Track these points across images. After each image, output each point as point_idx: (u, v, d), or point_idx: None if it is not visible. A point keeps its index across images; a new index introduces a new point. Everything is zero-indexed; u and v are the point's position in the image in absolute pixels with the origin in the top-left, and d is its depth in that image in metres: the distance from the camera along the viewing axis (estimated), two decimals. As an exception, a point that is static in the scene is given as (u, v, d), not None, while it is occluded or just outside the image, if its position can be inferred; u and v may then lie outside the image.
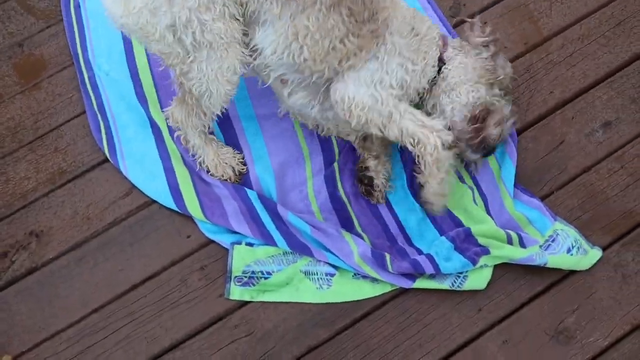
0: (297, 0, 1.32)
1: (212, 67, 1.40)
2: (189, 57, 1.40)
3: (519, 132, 1.78)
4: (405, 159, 1.74)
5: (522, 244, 1.61)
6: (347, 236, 1.60)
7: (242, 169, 1.73)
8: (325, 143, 1.77)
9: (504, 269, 1.59)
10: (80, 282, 1.66)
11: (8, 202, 1.77)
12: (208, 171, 1.71)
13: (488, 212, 1.66)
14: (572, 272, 1.59)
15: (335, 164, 1.72)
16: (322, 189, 1.71)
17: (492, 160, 1.71)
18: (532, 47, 1.90)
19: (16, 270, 1.68)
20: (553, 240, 1.62)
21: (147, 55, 1.90)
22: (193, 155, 1.71)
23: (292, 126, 1.80)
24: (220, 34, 1.34)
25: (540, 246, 1.60)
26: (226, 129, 1.82)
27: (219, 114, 1.57)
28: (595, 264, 1.58)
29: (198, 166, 1.71)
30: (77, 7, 1.99)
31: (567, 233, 1.62)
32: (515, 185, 1.69)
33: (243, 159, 1.75)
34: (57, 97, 1.92)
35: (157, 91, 1.86)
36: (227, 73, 1.42)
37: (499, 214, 1.66)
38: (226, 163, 1.71)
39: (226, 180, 1.71)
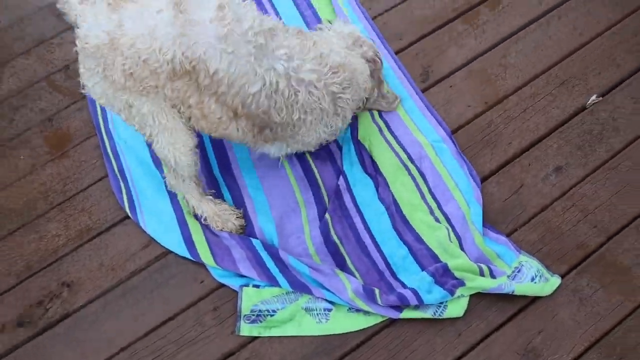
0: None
1: (166, 141, 1.54)
2: (146, 132, 1.54)
3: (484, 179, 1.87)
4: (387, 204, 1.86)
5: (492, 275, 1.69)
6: (341, 275, 1.69)
7: (242, 222, 1.83)
8: (316, 193, 1.89)
9: (478, 298, 1.67)
10: (107, 326, 1.72)
11: (42, 257, 1.86)
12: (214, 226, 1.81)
13: (462, 249, 1.75)
14: (536, 298, 1.66)
15: (327, 213, 1.82)
16: (317, 234, 1.80)
17: (462, 204, 1.82)
18: (492, 105, 2.01)
19: (50, 317, 1.75)
20: (519, 271, 1.70)
21: None
22: (195, 215, 1.82)
23: (288, 180, 1.91)
24: (163, 121, 1.49)
25: (508, 276, 1.68)
26: (231, 185, 1.92)
27: (195, 179, 1.71)
28: (555, 290, 1.67)
29: (203, 221, 1.82)
30: None
31: (531, 264, 1.71)
32: (483, 225, 1.78)
33: (241, 212, 1.85)
34: (83, 163, 2.03)
35: None
36: (182, 148, 1.57)
37: (472, 250, 1.74)
38: (226, 218, 1.81)
39: (230, 232, 1.82)
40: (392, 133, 1.97)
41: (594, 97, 2.00)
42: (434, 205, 1.84)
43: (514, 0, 2.24)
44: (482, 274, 1.69)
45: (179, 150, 1.57)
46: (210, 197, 1.83)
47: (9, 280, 1.84)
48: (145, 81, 1.38)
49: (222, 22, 1.35)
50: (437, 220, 1.82)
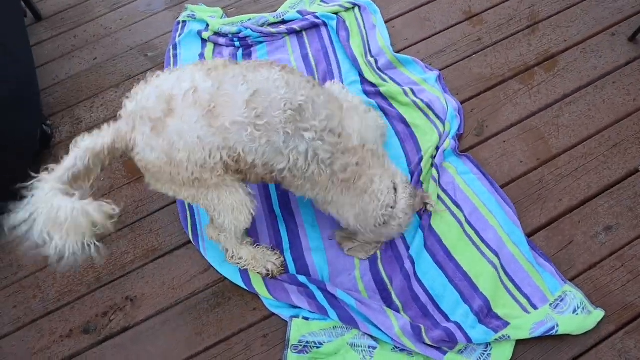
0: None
1: (231, 216, 1.58)
2: (210, 211, 1.58)
3: (533, 233, 1.84)
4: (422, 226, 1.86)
5: (533, 305, 1.68)
6: (389, 312, 1.68)
7: (282, 261, 1.83)
8: None
9: (522, 349, 1.63)
10: (163, 341, 1.76)
11: (111, 271, 1.93)
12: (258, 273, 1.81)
13: (504, 269, 1.76)
14: (582, 354, 1.61)
15: (378, 252, 1.84)
16: (367, 272, 1.81)
17: (499, 230, 1.82)
18: (543, 162, 1.99)
19: (113, 328, 1.81)
20: (562, 300, 1.68)
21: None
22: (237, 263, 1.80)
23: None
24: (227, 201, 1.54)
25: (550, 304, 1.66)
26: (288, 222, 1.94)
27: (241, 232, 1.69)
28: (602, 347, 1.61)
29: (241, 267, 1.81)
30: None
31: (575, 295, 1.68)
32: (533, 248, 1.79)
33: (279, 253, 1.85)
34: (155, 189, 2.16)
35: None
36: (244, 218, 1.60)
37: (517, 270, 1.75)
38: (266, 260, 1.81)
39: (268, 274, 1.80)
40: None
41: (646, 161, 1.95)
42: (472, 232, 1.84)
43: (569, 64, 2.23)
44: (522, 308, 1.68)
45: (239, 221, 1.61)
46: (249, 241, 1.85)
47: (81, 289, 1.92)
48: (207, 180, 1.45)
49: (253, 119, 1.37)
50: (478, 248, 1.82)
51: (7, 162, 1.98)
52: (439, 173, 1.96)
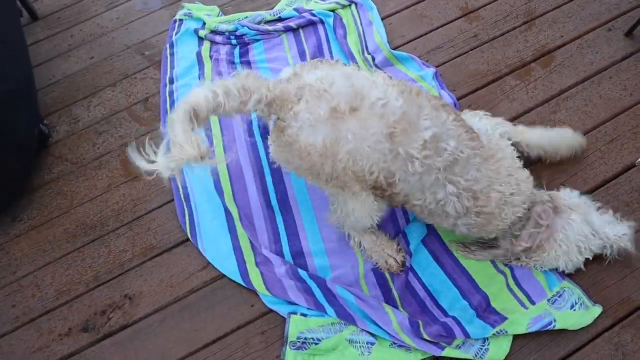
0: None
1: (350, 204, 1.59)
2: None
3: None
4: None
5: (531, 301, 1.69)
6: (387, 307, 1.68)
7: (402, 260, 1.78)
8: None
9: (519, 344, 1.63)
10: (162, 339, 1.76)
11: (109, 269, 1.93)
12: (375, 265, 1.79)
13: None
14: (579, 349, 1.61)
15: None
16: (369, 270, 1.80)
17: None
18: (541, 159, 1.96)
19: (112, 326, 1.81)
20: (559, 296, 1.69)
21: (225, 154, 2.11)
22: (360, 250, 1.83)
23: None
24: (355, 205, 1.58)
25: (548, 300, 1.67)
26: (286, 218, 1.94)
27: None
28: (598, 341, 1.62)
29: (364, 256, 1.82)
30: None
31: (573, 291, 1.69)
32: None
33: (400, 249, 1.80)
34: (152, 187, 2.11)
35: (232, 186, 2.03)
36: (368, 217, 1.63)
37: (516, 266, 1.75)
38: (387, 254, 1.77)
39: (388, 269, 1.77)
40: None
41: (643, 156, 1.95)
42: None
43: (566, 59, 2.23)
44: (520, 303, 1.69)
45: (359, 224, 1.67)
46: (373, 230, 1.82)
47: (79, 287, 1.92)
48: (350, 187, 1.48)
49: (423, 157, 1.41)
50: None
51: (7, 162, 1.98)
52: None
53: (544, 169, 1.96)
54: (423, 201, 1.52)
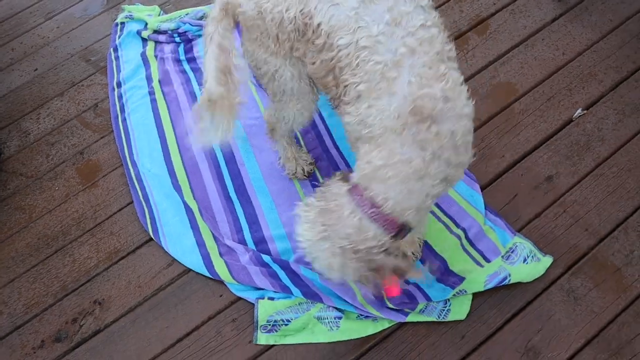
0: None
1: (294, 105, 1.62)
2: (277, 94, 1.61)
3: (480, 190, 1.89)
4: None
5: (486, 259, 1.74)
6: (351, 283, 1.70)
7: (310, 170, 1.93)
8: None
9: (479, 301, 1.68)
10: (135, 339, 1.76)
11: (75, 278, 1.92)
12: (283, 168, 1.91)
13: (457, 225, 1.81)
14: (534, 299, 1.67)
15: None
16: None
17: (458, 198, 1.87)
18: (484, 122, 2.04)
19: (84, 333, 1.80)
20: (512, 252, 1.74)
21: (180, 153, 2.11)
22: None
23: (299, 197, 1.93)
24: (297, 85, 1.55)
25: (502, 256, 1.73)
26: (245, 207, 1.95)
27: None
28: (551, 289, 1.68)
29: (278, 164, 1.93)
30: (124, 120, 2.24)
31: (524, 245, 1.75)
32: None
33: (312, 162, 1.94)
34: (111, 191, 2.10)
35: (189, 182, 2.04)
36: (304, 112, 1.65)
37: (472, 226, 1.80)
38: (298, 163, 1.90)
39: (294, 175, 1.92)
40: None
41: (579, 111, 2.03)
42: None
43: (499, 26, 2.29)
44: (476, 263, 1.73)
45: (300, 113, 1.64)
46: (291, 142, 1.91)
47: (47, 299, 1.90)
48: (285, 44, 1.41)
49: None
50: (433, 213, 1.85)
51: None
52: None
53: (485, 129, 2.01)
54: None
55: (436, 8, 2.29)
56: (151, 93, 2.30)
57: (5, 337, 1.85)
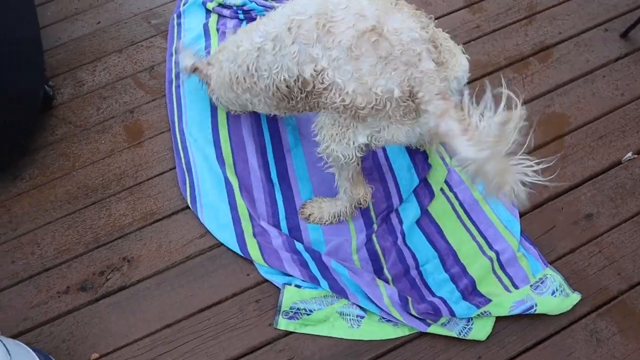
0: None
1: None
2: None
3: (519, 216, 1.86)
4: (420, 200, 1.89)
5: (515, 285, 1.72)
6: (379, 282, 1.71)
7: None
8: (364, 211, 1.92)
9: (501, 325, 1.66)
10: (159, 302, 1.77)
11: (109, 232, 1.94)
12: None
13: (491, 247, 1.79)
14: (556, 333, 1.65)
15: (374, 234, 1.85)
16: (362, 245, 1.82)
17: (495, 220, 1.86)
18: (533, 150, 1.98)
19: (109, 287, 1.82)
20: (542, 282, 1.72)
21: (228, 127, 2.11)
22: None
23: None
24: None
25: (531, 285, 1.71)
26: (285, 192, 1.95)
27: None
28: (575, 328, 1.65)
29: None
30: (177, 87, 2.24)
31: (554, 278, 1.73)
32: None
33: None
34: (155, 154, 2.11)
35: (233, 156, 2.04)
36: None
37: (505, 250, 1.78)
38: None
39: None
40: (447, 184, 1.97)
41: (630, 154, 1.99)
42: (464, 217, 1.88)
43: (562, 56, 2.25)
44: (505, 287, 1.72)
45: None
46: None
47: (79, 248, 1.92)
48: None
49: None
50: (473, 238, 1.84)
51: (11, 121, 1.96)
52: (449, 155, 1.98)
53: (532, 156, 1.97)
54: None
55: (501, 29, 2.31)
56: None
57: (33, 276, 1.88)
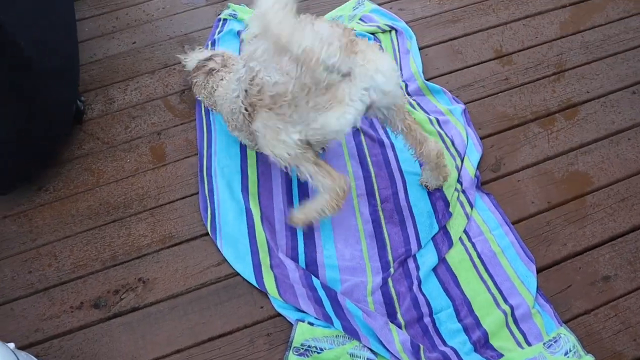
0: None
1: None
2: None
3: (537, 272, 1.87)
4: (438, 248, 1.92)
5: (528, 342, 1.71)
6: (392, 326, 1.71)
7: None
8: (382, 250, 1.93)
9: (512, 382, 1.66)
10: (170, 326, 1.79)
11: (127, 251, 1.96)
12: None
13: (505, 300, 1.79)
14: (568, 396, 1.63)
15: (390, 278, 1.86)
16: (377, 288, 1.84)
17: (512, 274, 1.86)
18: (553, 206, 2.03)
19: (122, 307, 1.84)
20: (555, 341, 1.71)
21: (257, 156, 2.15)
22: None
23: (358, 236, 1.96)
24: None
25: (544, 343, 1.70)
26: (306, 233, 1.98)
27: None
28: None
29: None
30: (207, 113, 2.30)
31: (568, 338, 1.71)
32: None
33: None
34: (178, 178, 2.15)
35: (258, 186, 2.07)
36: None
37: (520, 305, 1.78)
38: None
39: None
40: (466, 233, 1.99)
41: (651, 219, 2.00)
42: (481, 268, 1.88)
43: (589, 115, 2.29)
44: (517, 343, 1.72)
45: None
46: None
47: (95, 264, 1.95)
48: None
49: None
50: (489, 290, 1.85)
51: (45, 134, 2.01)
52: (470, 205, 2.00)
53: (552, 214, 2.01)
54: None
55: (530, 83, 2.36)
56: (238, 93, 2.35)
57: (49, 288, 1.91)
